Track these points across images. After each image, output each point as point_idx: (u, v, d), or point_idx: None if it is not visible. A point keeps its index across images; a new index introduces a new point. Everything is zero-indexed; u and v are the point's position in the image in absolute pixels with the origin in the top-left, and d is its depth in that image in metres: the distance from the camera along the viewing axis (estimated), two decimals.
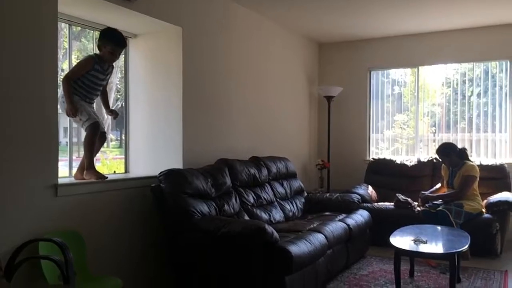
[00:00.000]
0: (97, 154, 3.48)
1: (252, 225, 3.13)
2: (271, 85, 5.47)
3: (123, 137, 4.20)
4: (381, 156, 6.18)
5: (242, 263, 3.12)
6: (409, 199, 5.06)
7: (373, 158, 6.17)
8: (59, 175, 3.01)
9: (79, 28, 3.73)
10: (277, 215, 4.37)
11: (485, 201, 4.83)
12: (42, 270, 2.62)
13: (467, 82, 5.96)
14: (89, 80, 3.26)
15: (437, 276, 4.02)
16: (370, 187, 5.72)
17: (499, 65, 5.74)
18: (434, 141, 6.14)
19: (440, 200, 4.72)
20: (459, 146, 5.12)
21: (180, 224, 3.33)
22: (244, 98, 4.91)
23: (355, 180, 6.03)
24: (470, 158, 4.94)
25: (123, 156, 4.14)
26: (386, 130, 6.44)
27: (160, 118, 4.05)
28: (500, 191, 5.01)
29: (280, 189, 4.70)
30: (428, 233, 3.82)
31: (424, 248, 3.42)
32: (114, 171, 4.07)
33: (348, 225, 4.17)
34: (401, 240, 3.58)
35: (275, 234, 3.11)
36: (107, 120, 4.43)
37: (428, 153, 6.10)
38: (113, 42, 3.29)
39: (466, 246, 3.45)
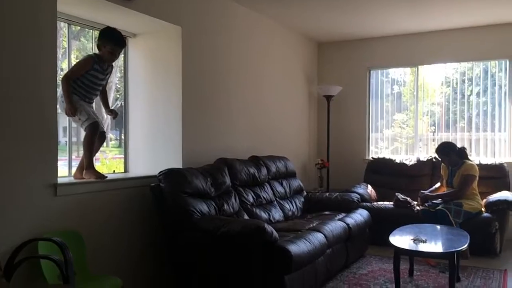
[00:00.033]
0: (97, 154, 3.48)
1: (251, 225, 3.13)
2: (271, 84, 5.47)
3: (123, 137, 4.21)
4: (381, 156, 6.18)
5: (241, 263, 3.12)
6: (408, 199, 5.06)
7: (372, 158, 6.17)
8: (59, 174, 3.01)
9: (79, 27, 3.73)
10: (277, 214, 4.37)
11: (484, 200, 4.83)
12: (41, 269, 2.62)
13: (466, 81, 5.96)
14: (88, 80, 3.26)
15: (437, 275, 4.03)
16: (369, 187, 5.72)
17: (498, 64, 5.75)
18: (433, 140, 6.14)
19: (440, 199, 4.72)
20: (459, 145, 5.12)
21: (179, 224, 3.33)
22: (243, 97, 4.91)
23: (355, 179, 6.03)
24: (469, 157, 4.94)
25: (123, 156, 4.14)
26: (385, 129, 6.44)
27: (160, 117, 4.05)
28: (500, 190, 5.02)
29: (279, 189, 4.70)
30: (427, 232, 3.83)
31: (423, 247, 3.42)
32: (114, 171, 4.06)
33: (347, 224, 4.17)
34: (401, 239, 3.58)
35: (275, 233, 3.11)
36: (106, 119, 4.43)
37: (427, 153, 6.10)
38: (112, 41, 3.29)
39: (466, 245, 3.46)
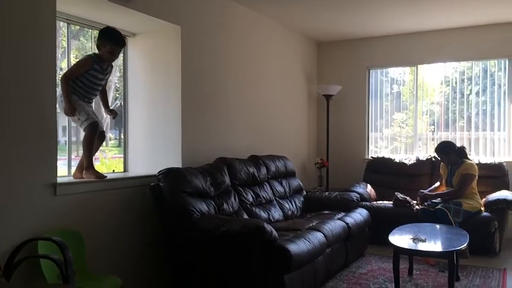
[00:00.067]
0: (96, 153, 3.48)
1: (251, 224, 3.13)
2: (270, 84, 5.47)
3: (122, 136, 4.20)
4: (380, 155, 6.18)
5: (241, 262, 3.12)
6: (408, 198, 5.07)
7: (372, 157, 6.17)
8: (58, 174, 3.01)
9: (78, 27, 3.73)
10: (276, 214, 4.37)
11: (483, 199, 4.84)
12: (41, 269, 2.62)
13: (466, 80, 5.97)
14: (88, 80, 3.26)
15: (436, 275, 4.03)
16: (369, 186, 5.72)
17: (498, 63, 5.75)
18: (433, 139, 6.15)
19: (439, 199, 4.73)
20: (458, 144, 5.12)
21: (179, 223, 3.33)
22: (243, 97, 4.91)
23: (354, 178, 6.04)
24: (468, 156, 4.94)
25: (122, 155, 4.14)
26: (385, 128, 6.45)
27: (159, 117, 4.05)
28: (499, 189, 5.02)
29: (279, 188, 4.71)
30: (427, 231, 3.83)
31: (423, 246, 3.42)
32: (113, 170, 4.06)
33: (347, 223, 4.17)
34: (400, 239, 3.59)
35: (274, 232, 3.11)
36: (105, 119, 4.43)
37: (427, 152, 6.11)
38: (112, 41, 3.29)
39: (465, 245, 3.46)
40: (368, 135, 6.46)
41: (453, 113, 6.01)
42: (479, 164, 5.03)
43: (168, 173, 3.47)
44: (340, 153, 6.45)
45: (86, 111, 3.23)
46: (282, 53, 5.74)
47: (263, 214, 4.17)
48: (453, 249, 3.36)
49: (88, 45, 3.86)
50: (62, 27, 3.58)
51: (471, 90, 5.95)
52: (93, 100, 3.42)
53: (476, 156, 5.57)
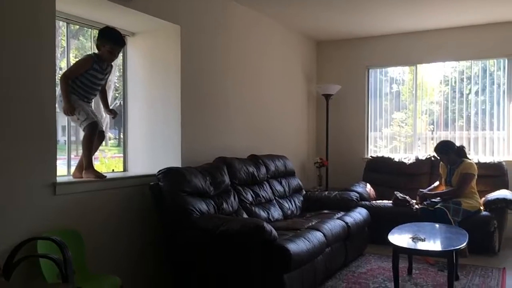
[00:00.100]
0: (96, 153, 3.48)
1: (250, 223, 3.13)
2: (270, 83, 5.47)
3: (122, 136, 4.20)
4: (380, 154, 6.18)
5: (240, 261, 3.12)
6: (407, 197, 5.07)
7: (371, 156, 6.17)
8: (58, 173, 3.01)
9: (77, 26, 3.73)
10: (276, 213, 4.37)
11: (483, 198, 4.84)
12: (41, 268, 2.61)
13: (465, 80, 5.97)
14: (87, 80, 3.26)
15: (435, 274, 4.03)
16: (368, 185, 5.73)
17: (497, 63, 5.75)
18: (432, 139, 6.15)
19: (438, 198, 4.73)
20: (457, 144, 5.13)
21: (178, 223, 3.33)
22: (242, 96, 4.91)
23: (354, 178, 6.04)
24: (468, 156, 4.95)
25: (122, 155, 4.14)
26: (384, 128, 6.45)
27: (159, 116, 4.04)
28: (498, 188, 5.03)
29: (278, 187, 4.71)
30: (426, 230, 3.83)
31: (422, 245, 3.43)
32: (113, 170, 4.06)
33: (346, 223, 4.17)
34: (400, 238, 3.59)
35: (274, 232, 3.11)
36: (105, 118, 4.43)
37: (426, 151, 6.12)
38: (111, 41, 3.28)
39: (464, 244, 3.46)
40: (367, 134, 6.47)
41: (452, 112, 6.02)
42: (479, 164, 5.03)
43: (168, 173, 3.47)
44: (339, 153, 6.45)
45: (85, 111, 3.23)
46: (281, 52, 5.74)
47: (263, 214, 4.17)
48: (452, 248, 3.36)
49: (88, 44, 3.86)
50: (61, 27, 3.58)
51: (470, 90, 5.95)
52: (93, 100, 3.42)
53: (476, 156, 5.57)
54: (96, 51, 3.34)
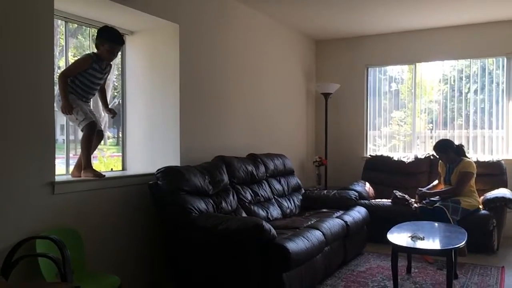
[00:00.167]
0: (94, 152, 3.47)
1: (249, 222, 3.13)
2: (269, 82, 5.47)
3: (120, 135, 4.20)
4: (379, 153, 6.18)
5: (239, 260, 3.12)
6: (406, 196, 5.07)
7: (370, 155, 6.17)
8: (56, 172, 3.01)
9: (76, 25, 3.72)
10: (275, 212, 4.37)
11: (482, 197, 4.84)
12: (39, 268, 2.61)
13: (464, 79, 5.97)
14: (86, 79, 3.25)
15: (434, 272, 4.04)
16: (367, 184, 5.73)
17: (496, 61, 5.75)
18: (431, 137, 6.15)
19: (437, 197, 4.73)
20: (456, 142, 5.13)
21: (177, 221, 3.33)
22: (241, 95, 4.91)
23: (353, 177, 6.04)
24: (467, 154, 4.95)
25: (120, 154, 4.13)
26: (383, 127, 6.45)
27: (157, 115, 4.04)
28: (497, 187, 5.03)
29: (277, 186, 4.71)
30: (425, 229, 3.83)
31: (421, 244, 3.43)
32: (111, 169, 4.06)
33: (345, 222, 4.17)
34: (399, 237, 3.59)
35: (273, 231, 3.11)
36: (104, 117, 4.42)
37: (425, 150, 6.12)
38: (110, 40, 3.27)
39: (463, 243, 3.46)
40: (366, 133, 6.47)
41: (451, 111, 6.02)
42: (477, 162, 5.04)
43: (167, 172, 3.47)
44: (338, 151, 6.45)
45: (84, 110, 3.22)
46: (280, 51, 5.74)
47: (262, 213, 4.17)
48: (451, 247, 3.36)
49: (86, 43, 3.86)
50: (60, 25, 3.58)
51: (469, 88, 5.96)
52: (91, 99, 3.41)
53: (474, 154, 5.57)
54: (95, 51, 3.33)
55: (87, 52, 3.45)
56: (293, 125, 6.11)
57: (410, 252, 3.88)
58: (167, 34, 3.97)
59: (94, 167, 3.34)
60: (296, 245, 3.19)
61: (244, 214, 3.96)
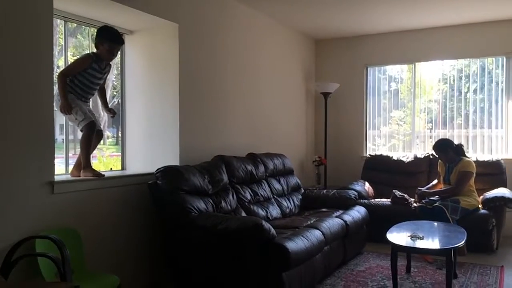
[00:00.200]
0: (94, 151, 3.47)
1: (249, 222, 3.13)
2: (268, 81, 5.47)
3: (120, 134, 4.20)
4: (378, 153, 6.19)
5: (239, 260, 3.12)
6: (405, 195, 5.07)
7: (370, 155, 6.17)
8: (56, 172, 3.01)
9: (75, 24, 3.72)
10: (274, 211, 4.37)
11: (481, 197, 4.85)
12: (39, 267, 2.61)
13: (463, 78, 5.97)
14: (86, 79, 3.25)
15: (434, 272, 4.04)
16: (367, 184, 5.73)
17: (495, 61, 5.75)
18: (430, 137, 6.15)
19: (437, 196, 4.73)
20: (456, 142, 5.13)
21: (177, 221, 3.33)
22: (240, 95, 4.91)
23: (352, 176, 6.04)
24: (466, 154, 4.95)
25: (120, 153, 4.13)
26: (382, 126, 6.45)
27: (157, 115, 4.04)
28: (497, 187, 5.04)
29: (277, 186, 4.71)
30: (424, 229, 3.83)
31: (420, 244, 3.43)
32: (111, 168, 4.06)
33: (345, 221, 4.17)
34: (398, 236, 3.59)
35: (272, 230, 3.11)
36: (103, 117, 4.42)
37: (424, 149, 6.12)
38: (110, 39, 3.27)
39: (463, 242, 3.46)
40: (366, 132, 6.47)
41: (450, 110, 6.02)
42: (477, 162, 5.04)
43: (166, 171, 3.47)
44: (338, 151, 6.45)
45: (83, 110, 3.21)
46: (280, 51, 5.73)
47: (261, 212, 4.17)
48: (451, 246, 3.37)
49: (86, 42, 3.86)
50: (59, 25, 3.57)
51: (468, 88, 5.96)
52: (90, 99, 3.41)
53: (474, 154, 5.58)
54: (95, 50, 3.32)
55: (86, 52, 3.45)
56: (293, 125, 6.11)
57: (410, 251, 3.88)
58: (167, 33, 3.97)
59: (93, 167, 3.34)
60: (296, 244, 3.19)
61: (243, 214, 3.96)
